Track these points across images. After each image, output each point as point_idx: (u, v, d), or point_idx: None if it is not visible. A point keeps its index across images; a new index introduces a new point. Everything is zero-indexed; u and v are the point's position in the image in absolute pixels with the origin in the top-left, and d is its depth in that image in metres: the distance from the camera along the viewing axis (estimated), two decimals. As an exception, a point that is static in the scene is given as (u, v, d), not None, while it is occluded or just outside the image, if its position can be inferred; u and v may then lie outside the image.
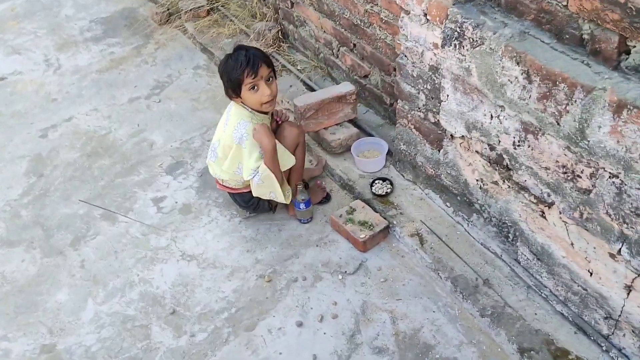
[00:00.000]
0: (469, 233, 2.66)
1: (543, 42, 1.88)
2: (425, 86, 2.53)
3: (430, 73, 2.46)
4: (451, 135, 2.47)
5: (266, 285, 2.68)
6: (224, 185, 2.85)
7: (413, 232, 2.72)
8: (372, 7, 3.01)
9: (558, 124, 1.86)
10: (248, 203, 2.88)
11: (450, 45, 2.20)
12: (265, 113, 2.74)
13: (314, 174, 3.14)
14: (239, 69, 2.54)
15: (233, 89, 2.60)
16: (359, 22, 3.18)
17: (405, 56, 2.58)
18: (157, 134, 3.66)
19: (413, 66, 2.55)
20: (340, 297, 2.58)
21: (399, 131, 2.88)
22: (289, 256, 2.81)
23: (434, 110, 2.54)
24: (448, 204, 2.75)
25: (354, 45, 3.34)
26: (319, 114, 3.14)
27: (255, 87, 2.58)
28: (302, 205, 2.88)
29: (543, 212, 2.15)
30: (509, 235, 2.41)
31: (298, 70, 3.80)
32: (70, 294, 2.73)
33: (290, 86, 3.59)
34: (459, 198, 2.65)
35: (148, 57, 4.41)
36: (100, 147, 3.60)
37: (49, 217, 3.15)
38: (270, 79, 2.62)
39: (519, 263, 2.41)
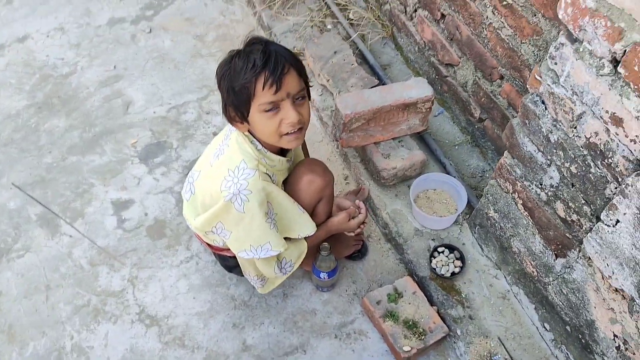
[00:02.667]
0: (571, 383, 1.72)
1: None
2: (567, 165, 1.44)
3: (586, 153, 1.37)
4: (598, 269, 1.43)
5: (252, 397, 1.81)
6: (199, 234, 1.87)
7: (484, 357, 1.78)
8: (490, -28, 1.80)
9: None
10: (233, 269, 1.93)
11: (670, 162, 1.10)
12: (283, 154, 1.68)
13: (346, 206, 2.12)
14: (250, 73, 1.44)
15: (236, 107, 1.51)
16: (460, -13, 1.98)
17: (543, 103, 1.46)
18: (138, 88, 2.59)
19: (553, 125, 1.44)
20: None
21: (492, 192, 1.82)
22: (292, 348, 1.90)
23: (573, 207, 1.48)
24: (547, 325, 1.77)
25: (443, 16, 2.15)
26: (370, 124, 2.05)
27: (275, 109, 1.50)
28: (323, 275, 1.92)
29: None
30: None
31: (349, 21, 2.61)
32: (-27, 351, 1.88)
33: (335, 52, 2.43)
34: (568, 329, 1.68)
35: (146, -48, 3.17)
36: (57, 95, 2.56)
37: (-34, 206, 2.21)
38: (301, 98, 1.53)
39: None
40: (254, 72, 1.44)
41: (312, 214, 1.83)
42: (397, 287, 1.92)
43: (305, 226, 1.73)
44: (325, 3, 2.68)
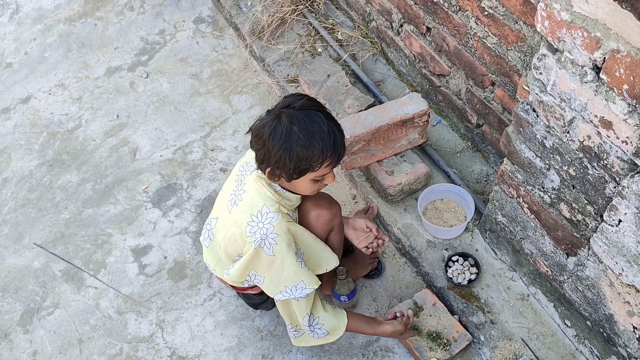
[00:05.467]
0: (598, 376, 1.74)
1: None
2: (565, 168, 1.48)
3: (582, 155, 1.41)
4: (606, 266, 1.47)
5: None
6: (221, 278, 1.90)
7: (510, 361, 1.82)
8: (468, -15, 1.85)
9: None
10: (258, 306, 1.98)
11: (660, 164, 1.13)
12: None
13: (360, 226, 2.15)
14: (319, 155, 1.52)
15: (288, 173, 1.55)
16: (441, 1, 2.02)
17: (534, 111, 1.50)
18: (142, 133, 2.66)
19: (547, 132, 1.48)
20: None
21: (497, 197, 1.86)
22: (322, 372, 1.95)
23: (577, 208, 1.51)
24: (568, 322, 1.80)
25: (428, 29, 2.19)
26: (371, 144, 2.10)
27: (322, 179, 1.62)
28: (343, 298, 1.97)
29: None
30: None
31: (338, 42, 2.67)
32: (16, 412, 1.95)
33: (328, 75, 2.48)
34: (588, 324, 1.71)
35: (134, -2, 3.25)
36: (65, 150, 2.63)
37: (-7, 271, 2.29)
38: None
39: None
40: (323, 157, 1.52)
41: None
42: (417, 300, 1.96)
43: (329, 260, 1.77)
44: (314, 27, 2.73)
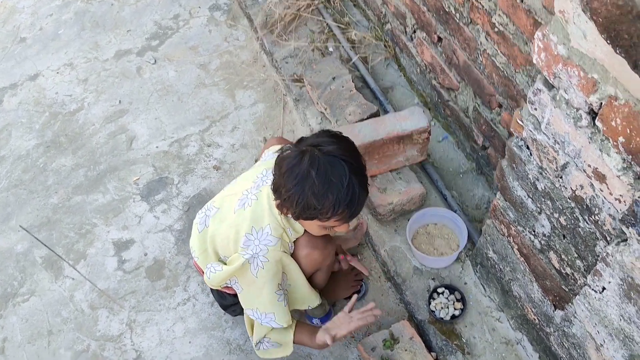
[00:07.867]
0: None
1: None
2: (556, 215, 1.32)
3: (574, 205, 1.24)
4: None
5: None
6: (201, 268, 1.81)
7: (485, 410, 1.68)
8: (479, -3, 1.68)
9: None
10: (227, 308, 1.89)
11: (646, 237, 0.97)
12: None
13: (347, 245, 2.04)
14: (328, 208, 1.40)
15: (296, 213, 1.45)
16: (453, 11, 1.86)
17: (528, 148, 1.34)
18: (142, 122, 2.58)
19: (539, 173, 1.32)
20: None
21: (489, 232, 1.70)
22: (287, 396, 1.84)
23: (566, 260, 1.35)
24: (552, 375, 1.65)
25: (440, 39, 2.03)
26: (365, 157, 1.96)
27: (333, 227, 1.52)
28: (315, 321, 1.87)
29: None
30: None
31: (350, 43, 2.52)
32: (-23, 399, 1.92)
33: (334, 78, 2.34)
34: (574, 382, 1.55)
35: (154, -20, 3.17)
36: (64, 133, 2.59)
37: (-24, 250, 2.27)
38: None
39: None
40: (334, 211, 1.41)
41: (309, 280, 1.76)
42: (394, 332, 1.83)
43: (313, 299, 1.72)
44: (327, 25, 2.59)
